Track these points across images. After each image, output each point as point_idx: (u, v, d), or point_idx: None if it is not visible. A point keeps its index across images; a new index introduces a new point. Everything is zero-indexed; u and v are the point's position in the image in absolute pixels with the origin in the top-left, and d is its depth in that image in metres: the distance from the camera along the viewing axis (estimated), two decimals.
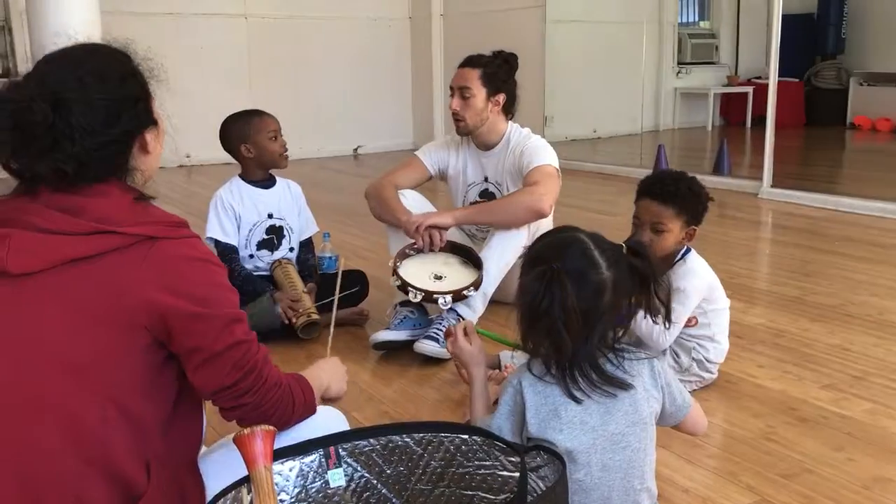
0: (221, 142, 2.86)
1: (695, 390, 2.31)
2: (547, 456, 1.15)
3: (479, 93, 2.79)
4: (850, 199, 4.94)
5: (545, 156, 2.79)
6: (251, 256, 2.88)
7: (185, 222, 1.38)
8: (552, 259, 1.38)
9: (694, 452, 1.97)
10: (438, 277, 2.53)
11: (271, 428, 1.17)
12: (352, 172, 7.30)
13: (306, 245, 3.03)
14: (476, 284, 2.54)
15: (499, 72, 2.84)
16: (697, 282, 2.25)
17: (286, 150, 2.88)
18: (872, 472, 1.86)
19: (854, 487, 1.80)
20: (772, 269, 3.79)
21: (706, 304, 2.29)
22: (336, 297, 2.04)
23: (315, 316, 2.72)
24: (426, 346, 2.57)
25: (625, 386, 1.40)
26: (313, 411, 1.36)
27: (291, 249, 2.96)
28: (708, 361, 2.31)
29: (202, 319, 1.28)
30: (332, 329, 2.00)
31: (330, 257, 3.27)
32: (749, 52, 9.77)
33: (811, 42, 9.61)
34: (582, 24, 7.93)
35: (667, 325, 2.04)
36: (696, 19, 10.18)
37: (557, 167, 2.81)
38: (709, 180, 5.84)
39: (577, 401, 1.38)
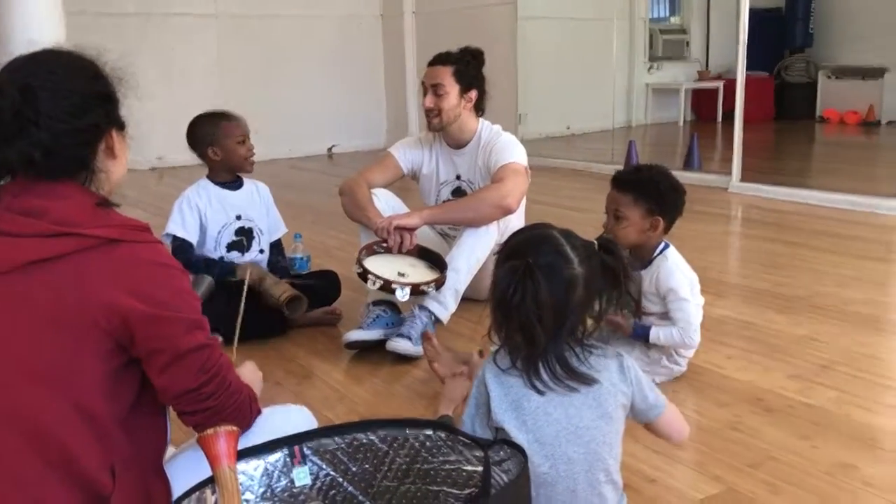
0: (188, 142, 2.84)
1: (664, 382, 2.34)
2: (510, 450, 1.16)
3: (452, 90, 2.82)
4: (818, 192, 5.01)
5: (513, 153, 2.81)
6: (221, 259, 2.87)
7: (148, 226, 1.39)
8: (525, 254, 1.39)
9: (661, 443, 1.97)
10: (401, 275, 2.54)
11: (235, 428, 1.17)
12: (326, 172, 7.28)
13: (276, 246, 3.02)
14: (437, 282, 2.54)
15: (469, 68, 2.86)
16: (685, 277, 2.28)
17: (253, 154, 2.87)
18: (836, 459, 1.89)
19: (818, 474, 1.83)
20: (740, 262, 3.84)
21: None
22: (241, 307, 2.08)
23: (298, 292, 2.72)
24: (399, 345, 2.57)
25: (588, 381, 1.41)
26: (256, 416, 1.38)
27: (262, 251, 2.94)
28: (678, 354, 2.34)
29: (164, 322, 1.29)
30: (236, 340, 2.01)
31: (301, 258, 3.27)
32: (719, 47, 9.85)
33: (780, 37, 9.71)
34: (553, 21, 7.96)
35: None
36: (667, 14, 10.26)
37: (526, 164, 2.83)
38: (679, 175, 5.84)
39: (540, 392, 1.39)
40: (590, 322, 1.47)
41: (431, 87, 2.83)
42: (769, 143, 8.47)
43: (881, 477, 1.81)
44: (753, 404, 2.20)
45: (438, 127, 2.88)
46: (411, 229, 2.64)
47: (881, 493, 1.74)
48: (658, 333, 2.26)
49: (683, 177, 5.73)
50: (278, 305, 2.69)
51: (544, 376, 1.40)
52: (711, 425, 2.10)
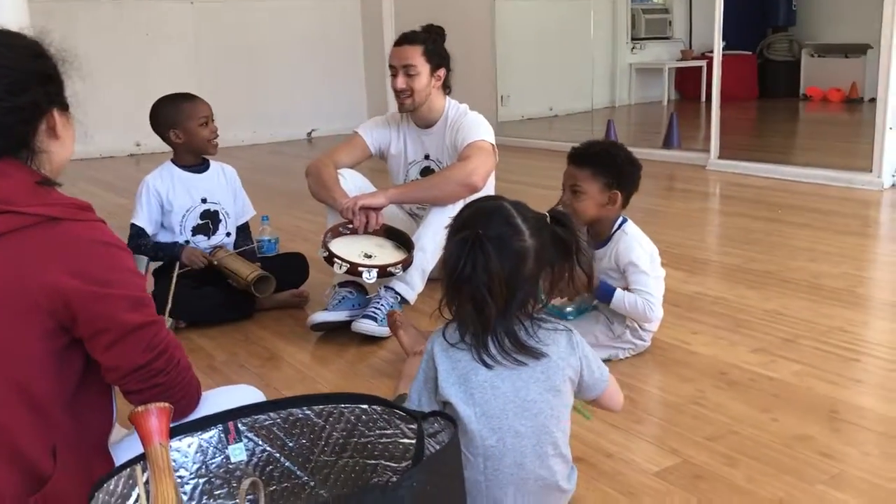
0: (151, 125, 2.81)
1: (628, 357, 2.34)
2: (444, 421, 1.15)
3: (423, 69, 2.79)
4: (796, 167, 5.01)
5: (479, 131, 2.80)
6: (187, 242, 2.84)
7: (90, 206, 1.37)
8: (475, 226, 1.38)
9: (621, 419, 1.99)
10: (368, 256, 2.52)
11: (167, 405, 1.15)
12: (305, 156, 7.22)
13: (243, 230, 3.00)
14: (404, 263, 2.53)
15: (437, 46, 2.84)
16: (644, 251, 2.27)
17: (216, 136, 2.84)
18: (794, 431, 1.89)
19: (775, 446, 1.83)
20: (714, 238, 3.83)
21: None
22: (172, 285, 2.07)
23: (265, 272, 2.71)
24: (364, 326, 2.56)
25: (536, 355, 1.40)
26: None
27: (228, 234, 2.92)
28: (641, 329, 2.33)
29: (106, 300, 1.28)
30: (167, 313, 2.00)
31: (269, 240, 3.24)
32: (702, 26, 9.82)
33: (763, 15, 9.69)
34: (533, 2, 7.91)
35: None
36: None
37: (493, 142, 2.81)
38: (659, 154, 5.92)
39: (488, 366, 1.38)
40: (542, 296, 1.45)
41: (403, 68, 2.80)
42: (751, 120, 8.47)
43: (838, 448, 1.81)
44: (716, 378, 2.20)
45: (411, 107, 2.85)
46: (377, 209, 2.62)
47: (836, 463, 1.75)
48: (623, 297, 2.24)
49: (663, 155, 5.86)
50: (246, 285, 2.68)
51: (493, 350, 1.39)
52: (674, 400, 2.10)
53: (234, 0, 7.72)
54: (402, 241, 2.67)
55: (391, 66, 2.84)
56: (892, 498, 1.61)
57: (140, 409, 1.14)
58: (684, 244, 3.57)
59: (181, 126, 2.76)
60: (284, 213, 4.32)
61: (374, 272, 2.45)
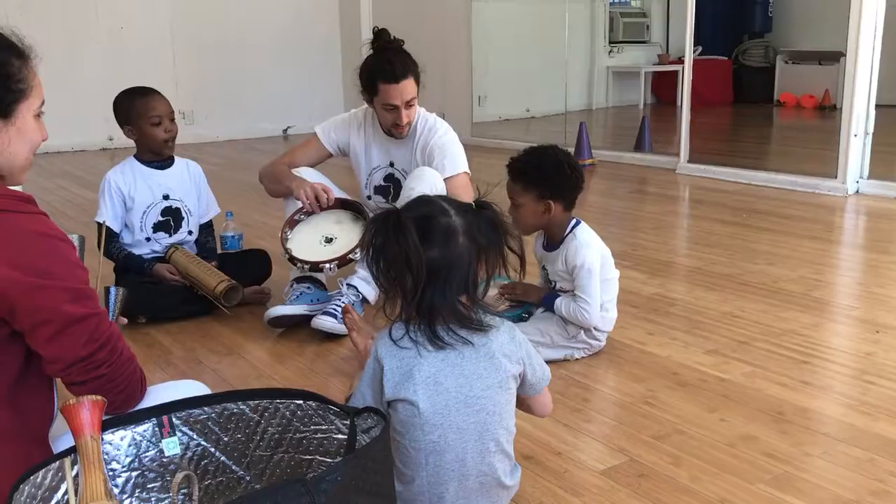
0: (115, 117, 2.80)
1: (584, 357, 2.36)
2: (377, 417, 1.16)
3: (416, 95, 2.71)
4: (764, 172, 5.07)
5: (458, 162, 2.74)
6: (148, 240, 2.83)
7: (32, 198, 1.37)
8: (400, 209, 1.39)
9: (572, 417, 2.02)
10: (329, 240, 2.53)
11: (99, 398, 1.16)
12: (280, 153, 7.21)
13: (207, 228, 2.98)
14: (362, 245, 2.53)
15: (414, 62, 2.72)
16: (592, 253, 2.29)
17: (171, 135, 2.77)
18: (740, 431, 1.92)
19: (720, 446, 1.85)
20: (678, 241, 3.86)
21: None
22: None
23: (234, 282, 2.69)
24: (324, 322, 2.56)
25: (482, 328, 1.41)
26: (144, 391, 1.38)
27: (190, 232, 2.90)
28: (596, 329, 2.36)
29: (46, 291, 1.28)
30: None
31: (233, 236, 3.24)
32: (679, 31, 9.73)
33: (739, 21, 9.79)
34: (510, 4, 7.94)
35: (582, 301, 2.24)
36: None
37: (468, 170, 2.79)
38: (630, 157, 5.97)
39: (439, 347, 1.38)
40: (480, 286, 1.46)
41: (406, 103, 2.66)
42: (724, 125, 8.54)
43: (781, 448, 1.84)
44: (668, 378, 2.23)
45: (407, 133, 2.77)
46: (327, 188, 2.65)
47: (779, 463, 1.77)
48: (561, 304, 2.28)
49: (634, 158, 5.90)
50: (215, 298, 2.66)
51: (440, 331, 1.39)
52: (625, 400, 2.12)
53: None
54: (359, 210, 2.67)
55: (392, 105, 2.67)
56: (832, 498, 1.64)
57: (72, 401, 1.15)
58: (648, 246, 3.60)
59: (133, 123, 2.73)
60: (254, 210, 4.31)
61: (335, 265, 2.45)
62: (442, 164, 2.70)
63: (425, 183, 2.55)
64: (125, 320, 2.51)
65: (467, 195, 2.63)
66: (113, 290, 2.07)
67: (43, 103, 1.42)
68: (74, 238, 1.66)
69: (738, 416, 2.00)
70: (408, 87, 2.65)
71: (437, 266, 1.35)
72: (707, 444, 1.86)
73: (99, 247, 2.37)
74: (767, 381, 2.20)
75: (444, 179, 2.66)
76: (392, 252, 1.33)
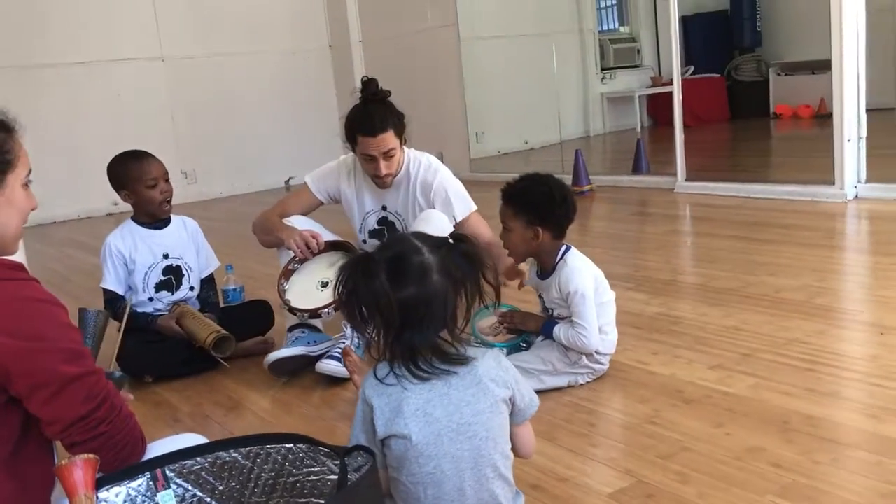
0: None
1: (588, 382, 2.35)
2: (366, 455, 1.17)
3: (397, 146, 2.73)
4: (762, 185, 5.08)
5: (464, 204, 2.80)
6: (151, 300, 2.85)
7: (22, 265, 1.40)
8: (374, 252, 1.41)
9: (578, 443, 2.01)
10: (325, 284, 2.56)
11: (92, 456, 1.17)
12: None
13: (208, 282, 3.01)
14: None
15: (399, 116, 2.74)
16: (584, 279, 2.29)
17: (168, 197, 2.82)
18: (746, 444, 1.90)
19: (727, 460, 1.84)
20: (678, 259, 3.86)
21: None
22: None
23: (224, 332, 2.70)
24: (328, 366, 2.56)
25: (463, 360, 1.42)
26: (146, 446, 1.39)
27: (192, 289, 2.93)
28: (598, 353, 2.35)
29: (40, 354, 1.30)
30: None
31: (234, 289, 3.26)
32: (669, 52, 9.94)
33: (728, 38, 9.87)
34: (499, 40, 8.05)
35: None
36: (616, 26, 10.40)
37: (474, 206, 2.83)
38: (629, 180, 5.99)
39: (423, 379, 1.39)
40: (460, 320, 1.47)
41: (383, 155, 2.69)
42: (721, 142, 8.57)
43: (789, 457, 1.82)
44: (673, 397, 2.22)
45: (390, 183, 2.81)
46: (315, 234, 2.70)
47: (787, 473, 1.76)
48: (559, 331, 2.29)
49: (633, 181, 5.92)
50: (206, 349, 2.68)
51: (422, 366, 1.40)
52: (630, 421, 2.11)
53: (205, 56, 7.83)
54: (348, 248, 2.71)
55: (369, 155, 2.70)
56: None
57: (64, 461, 1.16)
58: (649, 266, 3.60)
59: (129, 187, 2.78)
60: (257, 261, 4.34)
61: (332, 309, 2.48)
62: (451, 208, 2.76)
63: (433, 226, 2.58)
64: (132, 397, 2.53)
65: (486, 230, 2.70)
66: (90, 312, 2.07)
67: (30, 172, 1.46)
68: (99, 314, 1.69)
69: (745, 428, 1.99)
70: (386, 139, 2.67)
71: (412, 305, 1.37)
72: (714, 460, 1.85)
73: (120, 326, 2.40)
74: (772, 391, 2.19)
75: (459, 222, 2.72)
76: (362, 296, 1.35)
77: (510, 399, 1.47)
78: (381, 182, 2.79)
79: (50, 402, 1.30)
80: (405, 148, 2.84)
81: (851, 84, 4.51)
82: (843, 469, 1.76)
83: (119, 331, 2.37)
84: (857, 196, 4.58)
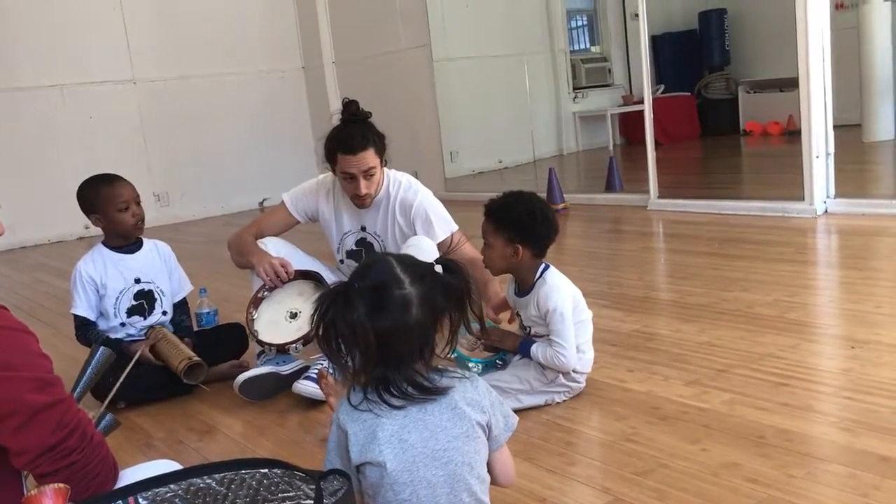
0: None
1: (564, 400, 2.35)
2: (342, 479, 1.16)
3: (378, 165, 2.73)
4: (733, 201, 5.13)
5: (445, 224, 2.81)
6: (123, 325, 2.82)
7: None
8: (354, 279, 1.41)
9: (556, 462, 2.00)
10: (294, 315, 2.55)
11: (63, 485, 1.15)
12: None
13: (180, 306, 2.98)
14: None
15: (379, 136, 2.74)
16: (563, 297, 2.30)
17: (139, 219, 2.79)
18: (723, 459, 1.91)
19: (704, 476, 1.85)
20: (652, 276, 3.88)
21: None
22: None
23: (196, 358, 2.68)
24: (305, 388, 2.54)
25: (439, 391, 1.41)
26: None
27: (165, 313, 2.90)
28: (574, 372, 2.36)
29: (8, 383, 1.28)
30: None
31: (208, 312, 3.24)
32: (640, 72, 10.09)
33: (698, 57, 10.01)
34: (471, 60, 8.11)
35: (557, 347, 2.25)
36: (588, 45, 10.52)
37: (456, 226, 2.84)
38: (602, 198, 6.04)
39: (397, 407, 1.38)
40: (441, 346, 1.47)
41: (363, 174, 2.69)
42: (693, 159, 8.67)
43: (764, 472, 1.83)
44: (649, 413, 2.22)
45: (369, 204, 2.80)
46: (285, 262, 2.68)
47: (762, 488, 1.77)
48: (537, 350, 2.29)
49: (606, 199, 5.96)
50: (178, 374, 2.66)
51: (395, 394, 1.40)
52: (607, 439, 2.12)
53: (177, 77, 7.80)
54: (317, 279, 2.70)
55: (349, 174, 2.69)
56: None
57: (33, 491, 1.14)
58: (624, 284, 3.62)
59: (100, 211, 2.75)
60: (231, 285, 4.31)
61: (300, 344, 2.49)
62: (432, 228, 2.77)
63: (423, 254, 2.58)
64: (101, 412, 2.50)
65: (470, 249, 2.68)
66: (102, 350, 2.05)
67: None
68: (104, 352, 1.67)
69: (721, 444, 2.00)
70: (366, 157, 2.68)
71: (389, 339, 1.36)
72: (690, 476, 1.85)
73: (128, 371, 2.33)
74: (747, 406, 2.20)
75: (441, 242, 2.73)
76: (340, 328, 1.34)
77: (487, 424, 1.47)
78: (360, 202, 2.79)
79: (19, 431, 1.28)
80: (385, 169, 2.85)
81: (818, 101, 4.59)
82: (818, 483, 1.77)
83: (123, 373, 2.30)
84: (826, 211, 4.65)
